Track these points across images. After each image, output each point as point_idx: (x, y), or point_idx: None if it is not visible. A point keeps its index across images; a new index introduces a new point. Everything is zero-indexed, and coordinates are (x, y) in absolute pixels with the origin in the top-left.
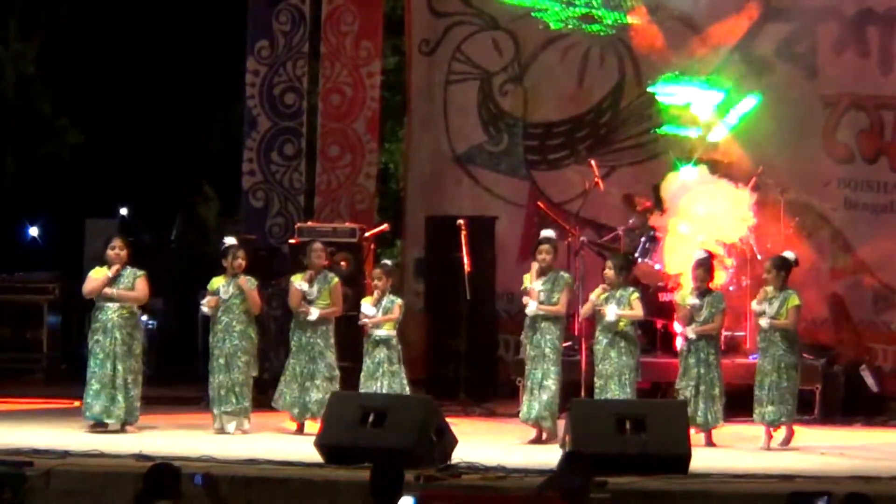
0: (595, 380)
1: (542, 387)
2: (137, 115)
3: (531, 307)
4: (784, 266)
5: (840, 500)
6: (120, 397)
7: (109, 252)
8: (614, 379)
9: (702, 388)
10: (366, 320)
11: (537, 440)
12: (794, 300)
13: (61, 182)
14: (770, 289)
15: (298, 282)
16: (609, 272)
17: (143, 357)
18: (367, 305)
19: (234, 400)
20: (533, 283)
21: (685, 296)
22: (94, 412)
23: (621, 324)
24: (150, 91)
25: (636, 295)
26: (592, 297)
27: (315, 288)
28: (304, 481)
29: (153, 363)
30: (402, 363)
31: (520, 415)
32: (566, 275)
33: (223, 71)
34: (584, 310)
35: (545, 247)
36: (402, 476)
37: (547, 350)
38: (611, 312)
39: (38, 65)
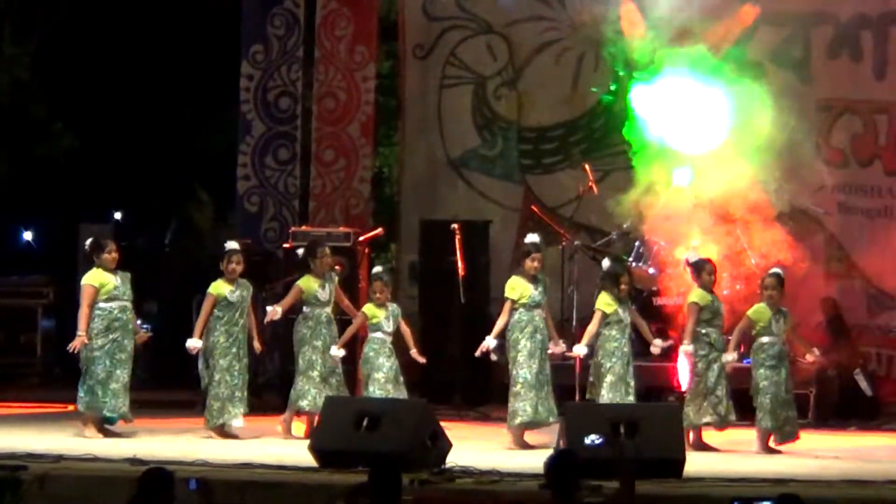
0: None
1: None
2: (132, 119)
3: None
4: (783, 282)
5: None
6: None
7: (106, 255)
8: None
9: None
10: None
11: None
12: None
13: (55, 186)
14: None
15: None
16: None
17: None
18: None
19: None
20: (530, 293)
21: (702, 295)
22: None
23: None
24: (144, 96)
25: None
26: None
27: (327, 290)
28: (299, 485)
29: (147, 367)
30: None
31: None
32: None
33: (218, 75)
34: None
35: (539, 255)
36: (400, 479)
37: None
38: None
39: (32, 69)
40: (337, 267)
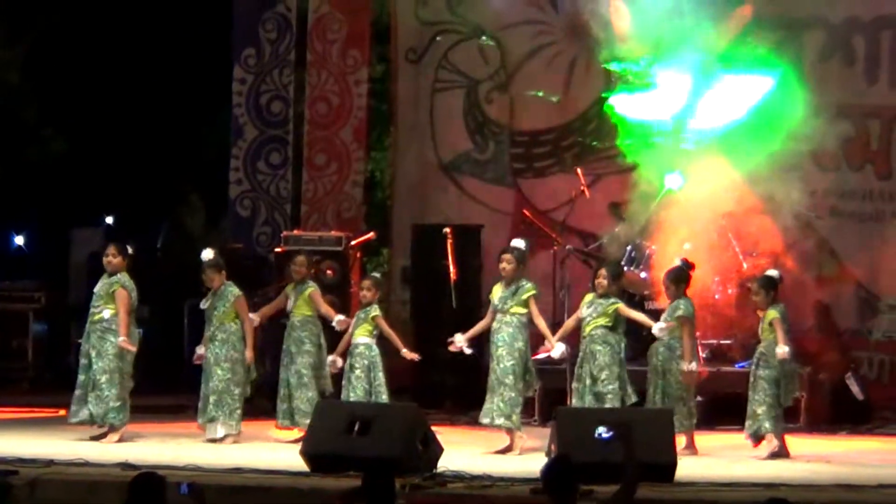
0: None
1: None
2: (123, 123)
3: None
4: (772, 285)
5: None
6: (91, 397)
7: (104, 260)
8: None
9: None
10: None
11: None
12: (773, 314)
13: (47, 190)
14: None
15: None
16: (603, 281)
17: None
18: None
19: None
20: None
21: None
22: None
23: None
24: (136, 100)
25: (615, 307)
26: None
27: (291, 299)
28: (290, 490)
29: (138, 371)
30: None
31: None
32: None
33: (210, 79)
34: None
35: (507, 256)
36: (394, 484)
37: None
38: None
39: (23, 73)
40: (328, 272)
